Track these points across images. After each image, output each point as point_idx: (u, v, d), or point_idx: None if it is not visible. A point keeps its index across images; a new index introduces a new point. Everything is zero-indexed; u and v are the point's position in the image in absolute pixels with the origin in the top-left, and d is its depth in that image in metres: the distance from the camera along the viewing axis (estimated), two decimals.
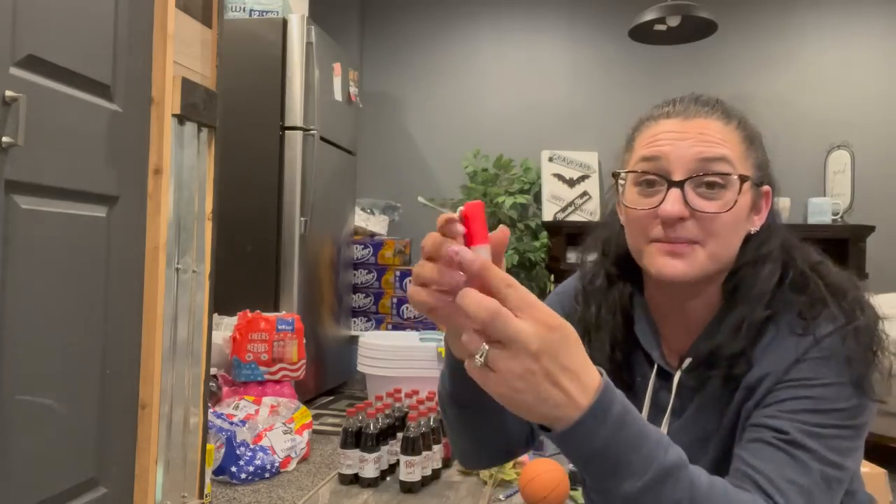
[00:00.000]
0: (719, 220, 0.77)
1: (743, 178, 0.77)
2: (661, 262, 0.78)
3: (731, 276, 0.82)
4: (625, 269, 0.90)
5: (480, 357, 0.53)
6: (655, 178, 0.79)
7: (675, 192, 0.76)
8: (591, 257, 0.96)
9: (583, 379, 0.54)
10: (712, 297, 0.83)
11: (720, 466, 0.77)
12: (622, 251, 0.90)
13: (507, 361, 0.52)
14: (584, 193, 4.27)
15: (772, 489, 0.67)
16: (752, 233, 0.82)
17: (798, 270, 0.81)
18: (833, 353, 0.74)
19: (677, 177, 0.77)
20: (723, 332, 0.79)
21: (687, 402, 0.84)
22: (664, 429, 0.84)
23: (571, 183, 4.29)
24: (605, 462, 0.57)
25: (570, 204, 4.26)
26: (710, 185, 0.77)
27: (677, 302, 0.84)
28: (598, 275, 0.92)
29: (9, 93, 1.22)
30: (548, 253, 4.09)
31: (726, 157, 0.77)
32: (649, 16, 3.19)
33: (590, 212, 4.24)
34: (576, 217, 4.21)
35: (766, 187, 0.84)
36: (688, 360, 0.83)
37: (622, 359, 0.88)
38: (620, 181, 0.84)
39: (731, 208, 0.77)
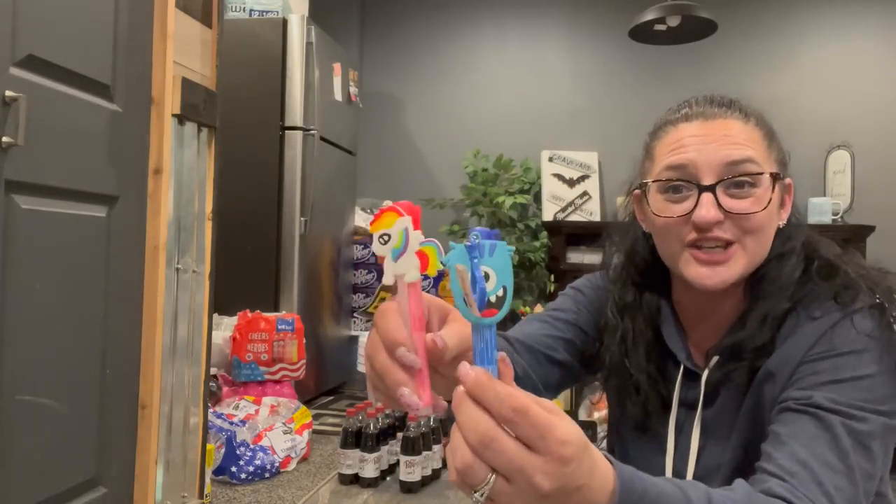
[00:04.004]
0: (754, 219, 0.76)
1: (774, 176, 0.77)
2: (697, 272, 0.78)
3: (756, 271, 0.82)
4: (651, 278, 0.90)
5: (480, 496, 0.44)
6: (684, 185, 0.78)
7: (707, 197, 0.76)
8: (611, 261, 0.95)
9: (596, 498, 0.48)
10: (740, 294, 0.83)
11: (743, 450, 0.78)
12: (647, 259, 0.90)
13: (512, 499, 0.44)
14: (584, 193, 4.27)
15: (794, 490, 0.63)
16: (781, 227, 0.82)
17: (824, 260, 0.81)
18: (857, 327, 0.73)
19: (707, 181, 0.76)
20: (748, 326, 0.79)
21: (715, 398, 0.84)
22: (696, 427, 0.84)
23: (571, 183, 4.29)
24: None
25: (570, 204, 4.26)
26: (740, 185, 0.76)
27: (708, 303, 0.84)
28: (627, 287, 0.91)
29: (9, 93, 1.22)
30: (548, 253, 4.09)
31: (752, 157, 0.77)
32: (649, 16, 3.19)
33: (590, 212, 4.24)
34: (576, 217, 4.21)
35: (788, 180, 0.83)
36: (715, 358, 0.83)
37: (656, 370, 0.88)
38: (646, 189, 0.83)
39: (765, 207, 0.76)
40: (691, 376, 0.86)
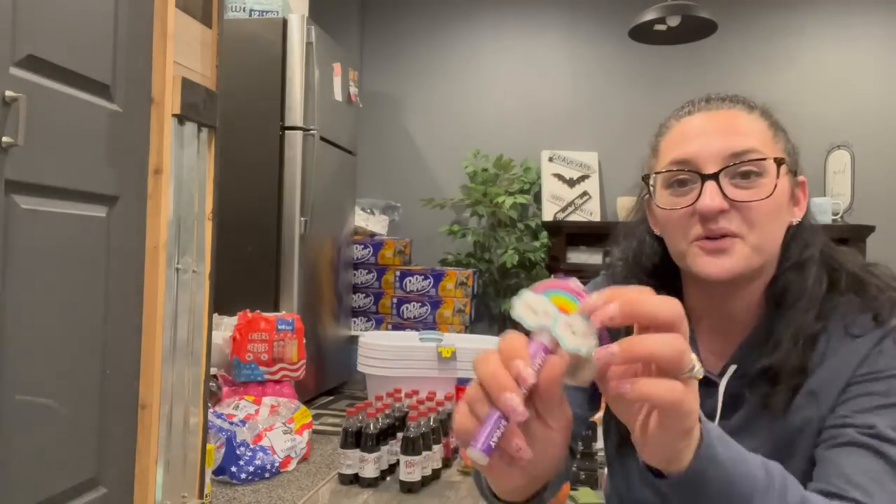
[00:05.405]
0: (760, 209, 0.75)
1: (778, 161, 0.76)
2: (703, 262, 0.77)
3: (774, 280, 0.80)
4: (659, 279, 0.87)
5: (692, 371, 0.49)
6: (687, 177, 0.77)
7: (710, 185, 0.75)
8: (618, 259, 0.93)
9: None
10: (753, 298, 0.81)
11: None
12: (655, 261, 0.88)
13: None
14: (584, 193, 4.27)
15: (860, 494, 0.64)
16: (794, 224, 0.81)
17: (850, 273, 0.80)
18: None
19: (710, 170, 0.75)
20: (780, 345, 0.76)
21: (733, 409, 0.82)
22: None
23: (571, 183, 4.30)
24: (732, 488, 0.56)
25: (570, 204, 4.26)
26: (746, 175, 0.76)
27: (718, 303, 0.82)
28: None
29: (9, 93, 1.22)
30: (548, 253, 4.09)
31: (755, 147, 0.76)
32: (649, 16, 3.19)
33: (590, 212, 4.24)
34: (576, 217, 4.22)
35: (801, 178, 0.83)
36: (732, 367, 0.81)
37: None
38: (651, 186, 0.82)
39: (770, 194, 0.75)
40: (704, 382, 0.84)
